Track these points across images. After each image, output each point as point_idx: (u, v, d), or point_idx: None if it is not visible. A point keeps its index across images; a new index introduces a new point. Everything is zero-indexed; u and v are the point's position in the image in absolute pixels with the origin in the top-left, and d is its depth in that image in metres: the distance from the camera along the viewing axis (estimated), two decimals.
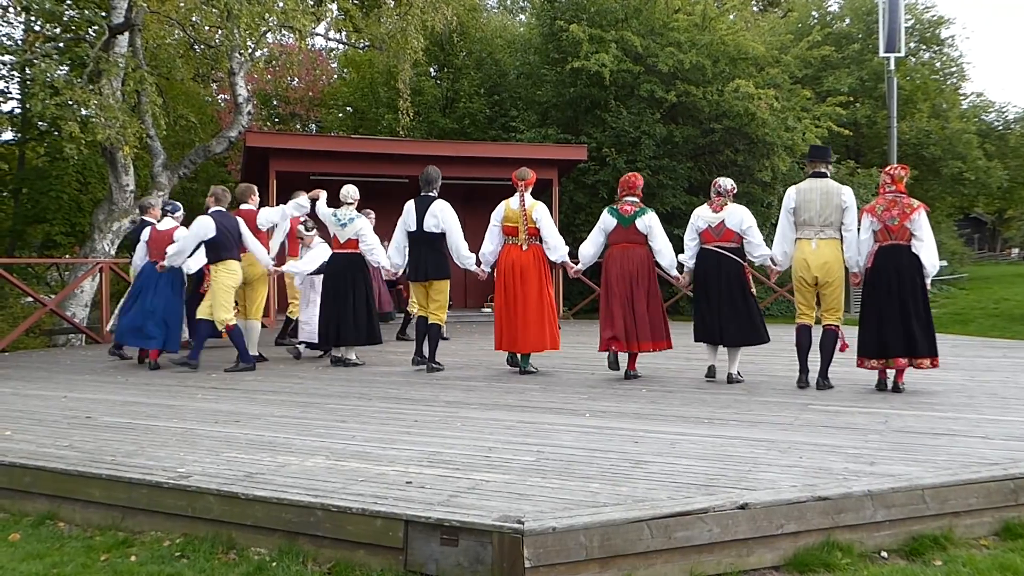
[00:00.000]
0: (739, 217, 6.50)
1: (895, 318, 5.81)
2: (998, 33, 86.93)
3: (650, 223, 6.69)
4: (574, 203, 16.64)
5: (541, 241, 7.07)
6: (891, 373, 6.04)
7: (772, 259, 6.45)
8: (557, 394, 6.06)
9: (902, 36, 17.26)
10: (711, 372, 6.66)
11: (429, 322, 7.40)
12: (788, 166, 16.33)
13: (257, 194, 8.65)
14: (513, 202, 7.08)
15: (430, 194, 7.36)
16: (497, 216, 7.20)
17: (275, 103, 24.15)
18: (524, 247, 7.02)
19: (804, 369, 6.27)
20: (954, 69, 27.23)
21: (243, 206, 8.41)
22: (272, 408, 5.58)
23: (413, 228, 7.34)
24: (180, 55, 16.99)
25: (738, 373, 6.56)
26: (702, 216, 6.61)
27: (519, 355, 7.19)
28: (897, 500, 3.44)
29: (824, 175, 6.28)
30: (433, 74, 21.26)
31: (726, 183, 6.68)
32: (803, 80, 19.12)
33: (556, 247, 7.06)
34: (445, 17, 16.13)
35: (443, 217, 7.25)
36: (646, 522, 3.08)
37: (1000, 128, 28.14)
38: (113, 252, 13.66)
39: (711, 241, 6.52)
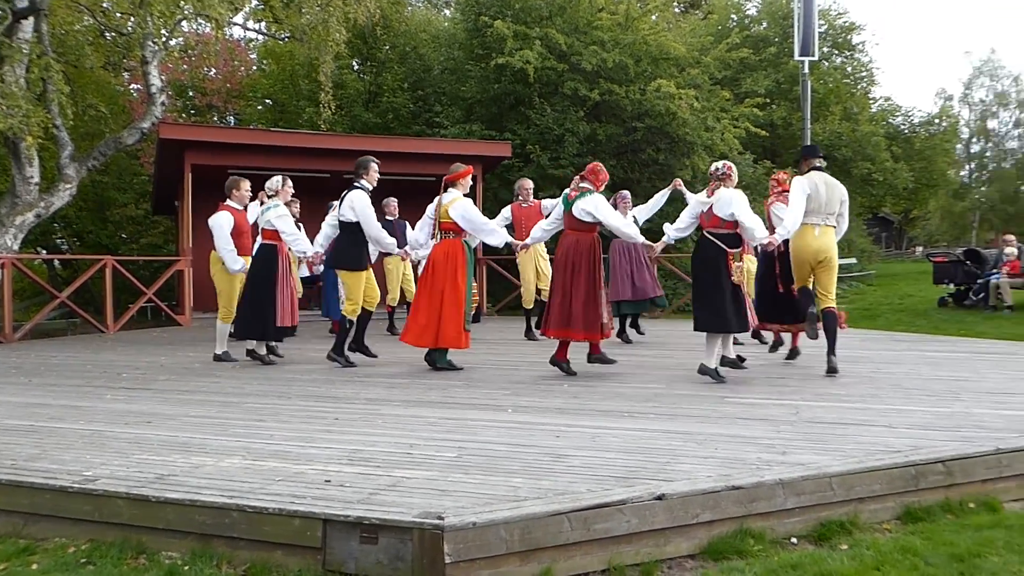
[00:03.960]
0: (727, 202, 6.19)
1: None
2: (905, 40, 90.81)
3: (586, 207, 6.44)
4: (499, 199, 16.64)
5: (461, 235, 7.04)
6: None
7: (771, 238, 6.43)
8: (480, 390, 6.05)
9: (816, 41, 17.83)
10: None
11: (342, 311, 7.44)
12: (708, 165, 16.68)
13: (241, 188, 8.12)
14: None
15: (354, 183, 7.29)
16: (430, 209, 7.23)
17: (191, 94, 23.46)
18: (437, 240, 7.06)
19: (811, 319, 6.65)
20: (864, 74, 28.26)
21: (229, 201, 8.03)
22: (187, 408, 5.42)
23: (337, 218, 7.34)
24: (89, 42, 16.31)
25: (715, 371, 6.24)
26: (700, 200, 6.42)
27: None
28: (807, 488, 3.55)
29: (823, 169, 6.58)
30: (356, 67, 20.97)
31: (716, 165, 6.48)
32: (722, 81, 19.58)
33: (482, 233, 6.99)
34: (368, 10, 15.96)
35: (355, 206, 7.16)
36: (566, 515, 3.10)
37: (906, 131, 29.33)
38: (16, 247, 13.07)
39: (704, 227, 6.36)
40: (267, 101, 22.63)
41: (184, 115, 23.27)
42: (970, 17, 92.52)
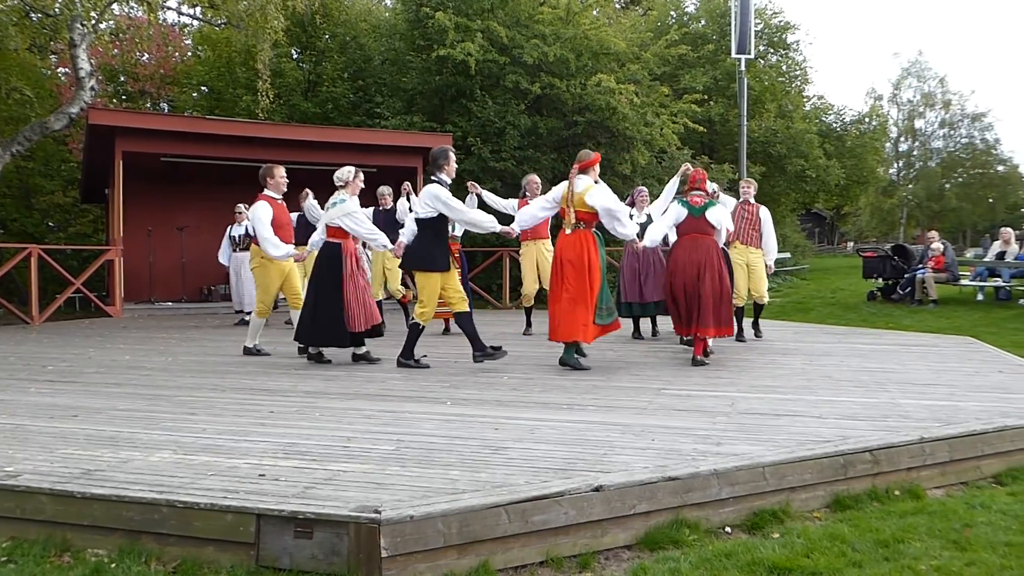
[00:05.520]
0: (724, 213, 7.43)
1: None
2: (837, 40, 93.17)
3: (719, 216, 7.03)
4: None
5: (595, 227, 6.74)
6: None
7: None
8: (419, 383, 6.02)
9: (752, 39, 18.18)
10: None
11: (411, 319, 6.88)
12: (647, 160, 16.86)
13: (276, 175, 7.67)
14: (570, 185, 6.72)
15: (431, 178, 6.80)
16: (557, 192, 6.86)
17: (122, 79, 22.71)
18: (568, 231, 6.66)
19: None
20: (798, 72, 28.90)
21: (267, 191, 7.62)
22: (115, 401, 5.26)
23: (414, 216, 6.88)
24: (14, 23, 15.61)
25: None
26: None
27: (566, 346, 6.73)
28: (740, 478, 3.62)
29: None
30: (295, 56, 20.59)
31: (714, 187, 7.71)
32: (661, 77, 19.78)
33: (620, 223, 6.74)
34: None
35: (433, 202, 6.62)
36: (504, 507, 3.11)
37: (838, 129, 30.08)
38: None
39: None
40: (203, 88, 22.05)
41: (115, 101, 22.50)
42: (899, 19, 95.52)
